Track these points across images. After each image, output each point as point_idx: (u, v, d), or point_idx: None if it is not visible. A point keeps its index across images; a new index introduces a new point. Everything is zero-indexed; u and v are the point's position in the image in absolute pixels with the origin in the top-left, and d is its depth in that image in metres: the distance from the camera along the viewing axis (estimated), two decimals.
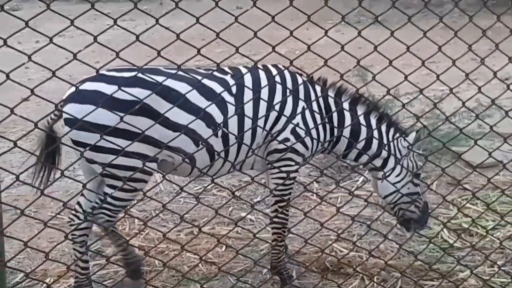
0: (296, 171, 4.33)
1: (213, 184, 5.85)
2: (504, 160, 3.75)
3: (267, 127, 4.16)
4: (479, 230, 5.16)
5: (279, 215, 4.40)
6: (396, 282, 4.41)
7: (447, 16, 3.51)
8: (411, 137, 4.55)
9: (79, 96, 3.79)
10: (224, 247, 4.99)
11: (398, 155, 4.59)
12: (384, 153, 4.57)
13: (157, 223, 5.48)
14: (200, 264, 4.70)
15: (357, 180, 6.27)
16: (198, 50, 2.55)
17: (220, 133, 4.01)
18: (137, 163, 3.74)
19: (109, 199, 3.96)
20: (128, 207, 4.15)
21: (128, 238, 4.71)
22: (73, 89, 3.74)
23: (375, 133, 4.55)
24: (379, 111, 4.65)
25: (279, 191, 4.33)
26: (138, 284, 4.39)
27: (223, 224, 5.44)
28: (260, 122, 4.13)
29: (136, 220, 5.43)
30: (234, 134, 4.00)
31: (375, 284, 4.39)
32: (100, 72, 3.55)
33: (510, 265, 4.55)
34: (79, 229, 4.14)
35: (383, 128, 4.61)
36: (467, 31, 3.32)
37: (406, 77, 3.14)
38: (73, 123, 3.70)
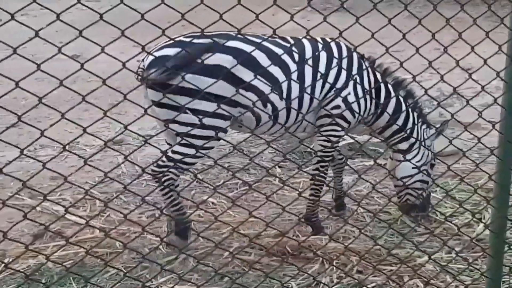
0: (341, 136, 4.81)
1: None
2: (464, 148, 3.80)
3: (323, 92, 4.49)
4: (437, 216, 5.24)
5: (320, 173, 4.77)
6: (355, 266, 4.45)
7: (412, 5, 3.53)
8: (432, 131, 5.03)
9: (163, 62, 3.98)
10: None
11: (423, 144, 4.99)
12: (412, 139, 4.96)
13: (119, 205, 5.45)
14: (161, 246, 4.70)
15: None
16: (163, 31, 2.52)
17: (284, 95, 4.33)
18: (217, 122, 4.17)
19: (181, 158, 4.30)
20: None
21: (88, 220, 4.68)
22: (152, 56, 4.08)
23: (410, 118, 4.95)
24: (414, 100, 4.99)
25: (323, 153, 4.73)
26: (183, 243, 4.56)
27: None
28: (317, 89, 4.46)
29: (97, 201, 5.39)
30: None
31: (334, 268, 4.43)
32: (178, 38, 4.08)
33: (467, 251, 4.62)
34: (174, 178, 4.48)
35: (415, 115, 4.98)
36: (431, 20, 3.34)
37: (370, 63, 3.16)
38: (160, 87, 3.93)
